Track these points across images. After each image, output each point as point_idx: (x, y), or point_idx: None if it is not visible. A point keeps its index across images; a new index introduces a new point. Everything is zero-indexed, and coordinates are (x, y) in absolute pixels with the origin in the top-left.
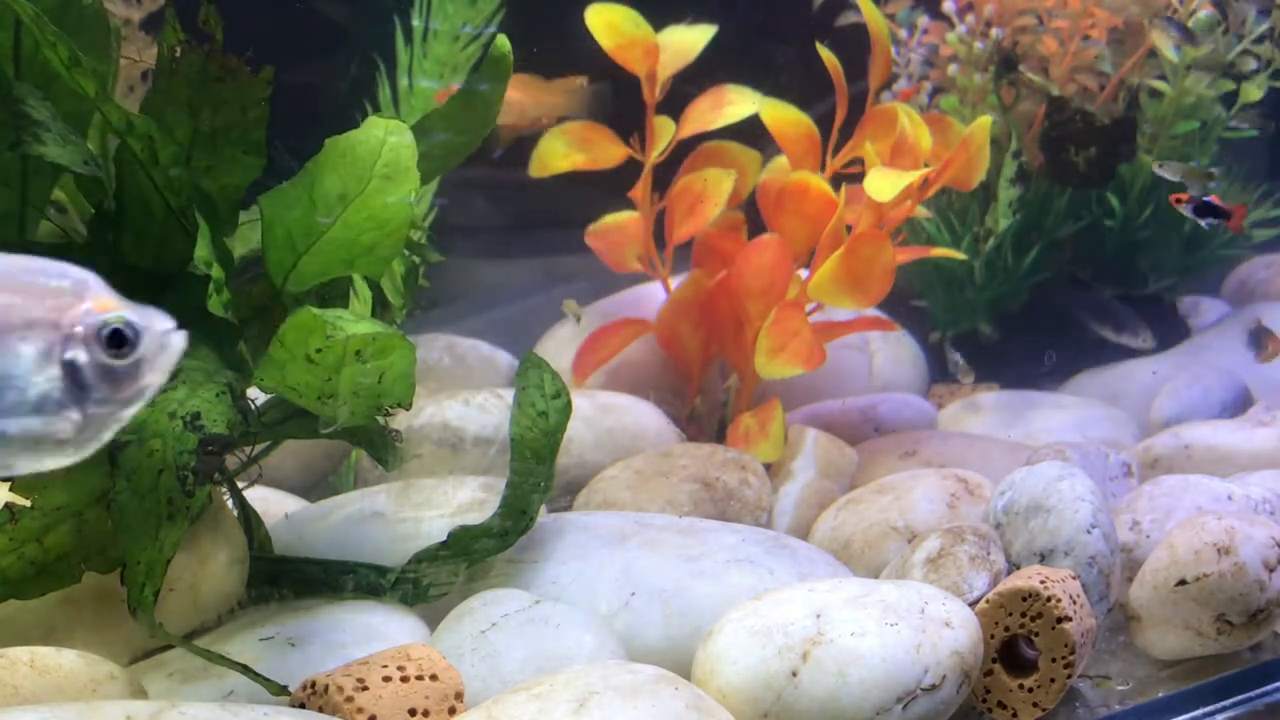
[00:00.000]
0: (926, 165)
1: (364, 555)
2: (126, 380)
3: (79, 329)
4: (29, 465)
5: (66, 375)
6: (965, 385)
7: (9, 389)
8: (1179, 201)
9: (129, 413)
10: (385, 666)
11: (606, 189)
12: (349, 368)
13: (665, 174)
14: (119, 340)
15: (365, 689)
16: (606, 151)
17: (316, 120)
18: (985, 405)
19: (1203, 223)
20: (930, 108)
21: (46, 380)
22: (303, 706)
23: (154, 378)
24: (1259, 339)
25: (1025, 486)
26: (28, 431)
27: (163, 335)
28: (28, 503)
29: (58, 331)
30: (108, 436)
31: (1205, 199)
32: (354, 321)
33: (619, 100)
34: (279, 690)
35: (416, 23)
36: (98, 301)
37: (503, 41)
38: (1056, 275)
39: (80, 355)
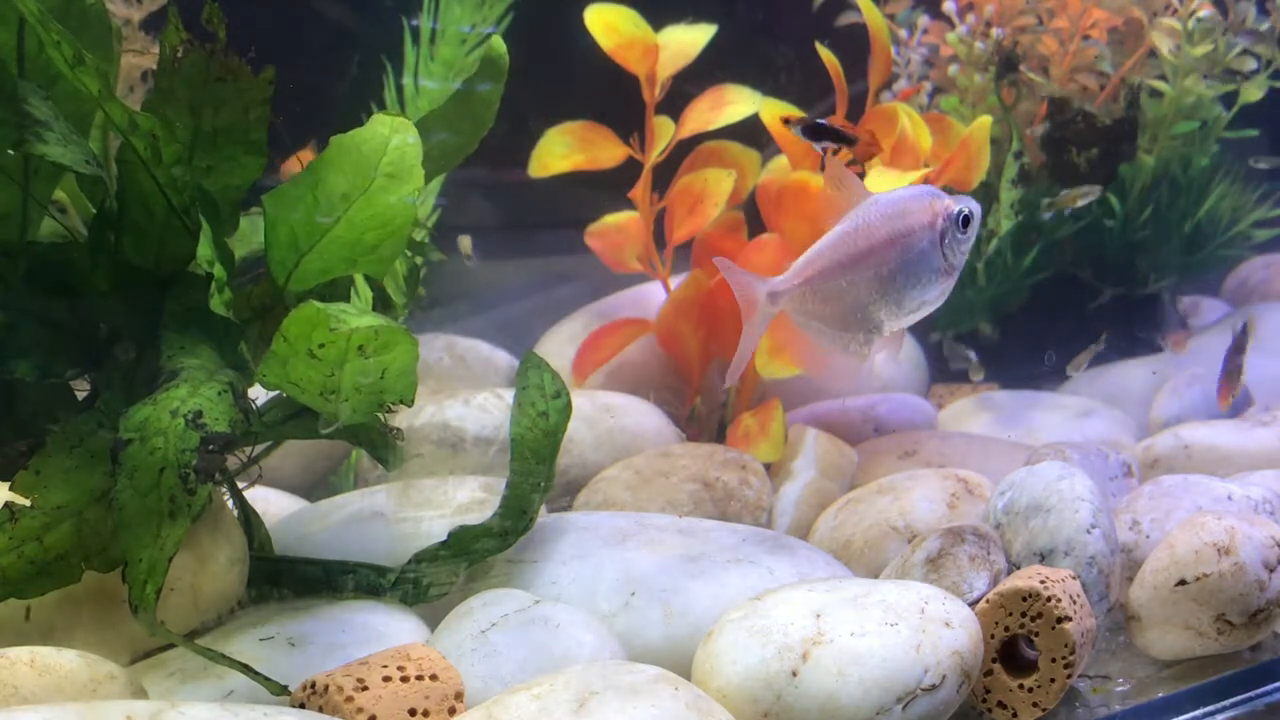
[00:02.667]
0: (926, 165)
1: (364, 555)
2: (965, 246)
3: (944, 220)
4: (921, 315)
5: (944, 251)
6: (975, 383)
7: (926, 268)
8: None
9: (957, 272)
10: (385, 666)
11: (606, 189)
12: (351, 363)
13: (665, 174)
14: (965, 221)
15: (365, 689)
16: (606, 151)
17: (321, 121)
18: (985, 405)
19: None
20: (930, 108)
21: (936, 255)
22: (303, 706)
23: (970, 244)
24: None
25: (1025, 486)
26: (937, 293)
27: (979, 214)
28: (28, 502)
29: (935, 227)
30: (948, 290)
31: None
32: (357, 315)
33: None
34: (279, 690)
35: (419, 23)
36: (946, 202)
37: (498, 43)
38: (1057, 275)
39: (949, 236)
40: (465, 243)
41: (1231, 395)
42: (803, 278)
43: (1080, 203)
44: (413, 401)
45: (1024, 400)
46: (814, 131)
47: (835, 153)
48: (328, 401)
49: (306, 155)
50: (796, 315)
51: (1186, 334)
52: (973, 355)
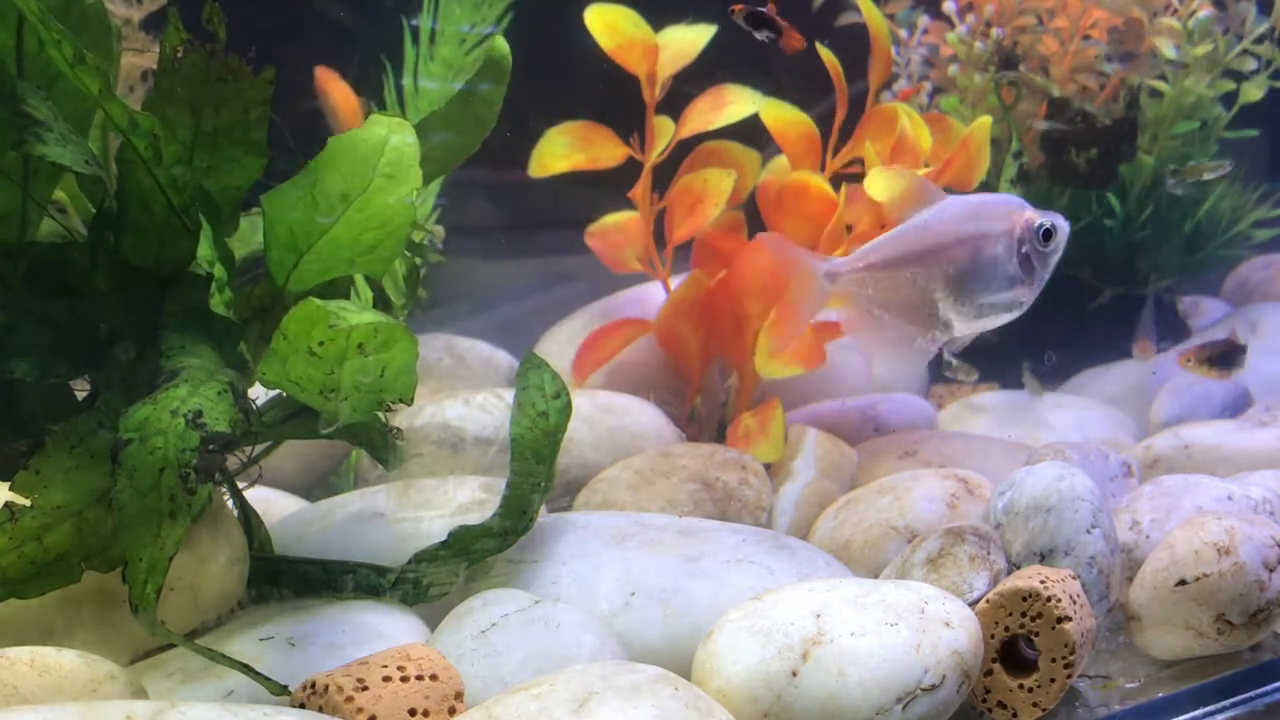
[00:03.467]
0: (926, 165)
1: (364, 555)
2: (1049, 259)
3: (1024, 230)
4: (996, 323)
5: (1020, 260)
6: (968, 384)
7: (996, 274)
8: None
9: (1042, 283)
10: (385, 666)
11: (606, 189)
12: (351, 361)
13: (665, 174)
14: (1047, 235)
15: (365, 689)
16: (606, 151)
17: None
18: (985, 405)
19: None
20: (930, 108)
21: (1010, 264)
22: (303, 706)
23: (1056, 258)
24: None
25: (1025, 486)
26: (1008, 300)
27: (1065, 230)
28: (28, 502)
29: (1012, 235)
30: (1032, 299)
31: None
32: (357, 313)
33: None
34: (279, 690)
35: (419, 23)
36: (1028, 214)
37: (501, 43)
38: (1057, 275)
39: (1027, 246)
40: (439, 231)
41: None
42: (865, 262)
43: (1208, 175)
44: (412, 400)
45: (1024, 400)
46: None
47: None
48: (327, 400)
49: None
50: (858, 300)
51: (1154, 343)
52: (954, 360)
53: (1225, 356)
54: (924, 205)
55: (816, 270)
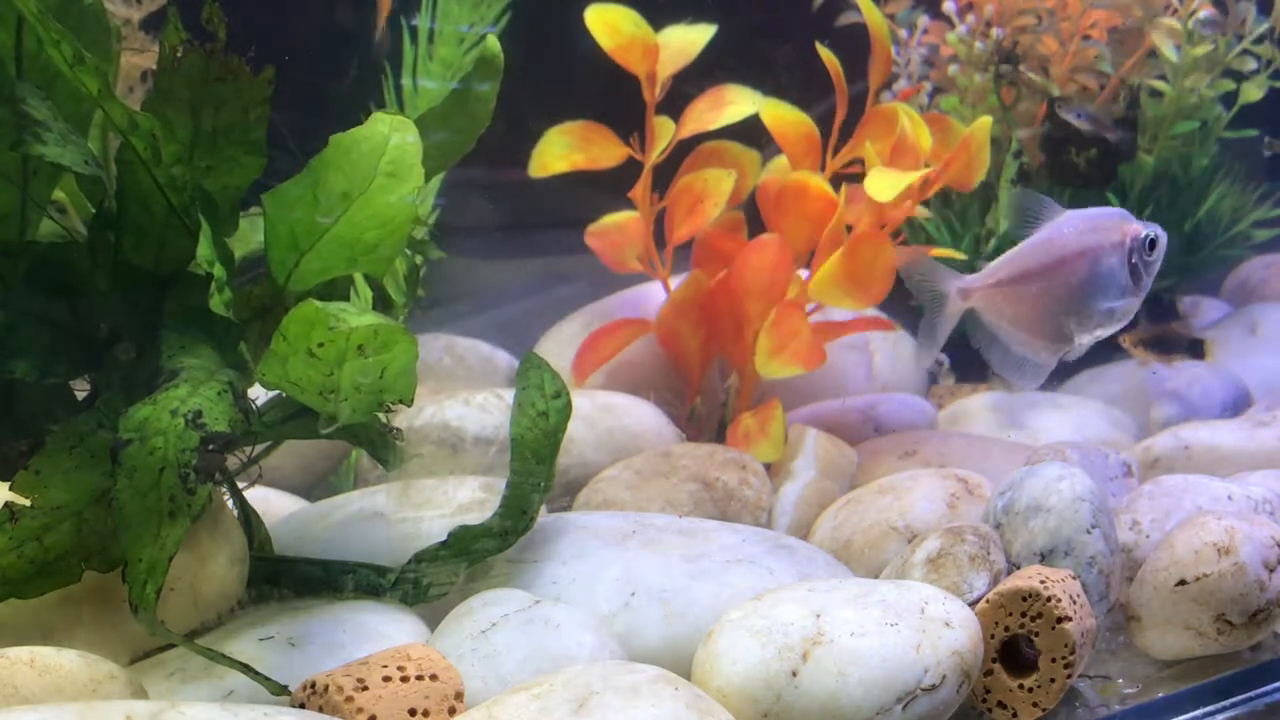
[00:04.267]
0: (926, 165)
1: (364, 555)
2: (1153, 268)
3: (1132, 241)
4: (1109, 331)
5: (1130, 270)
6: (946, 385)
7: (1112, 284)
8: None
9: (1146, 290)
10: (385, 666)
11: (606, 189)
12: (350, 362)
13: (665, 174)
14: (1152, 244)
15: (365, 689)
16: (606, 151)
17: (321, 120)
18: (985, 405)
19: None
20: (930, 108)
21: (1123, 273)
22: (303, 706)
23: (1158, 266)
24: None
25: (1025, 486)
26: (1121, 308)
27: (1164, 240)
28: (28, 502)
29: (1124, 246)
30: (1138, 306)
31: None
32: (356, 315)
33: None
34: (279, 690)
35: (418, 23)
36: (1135, 225)
37: (492, 42)
38: None
39: (1135, 257)
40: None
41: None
42: (995, 279)
43: None
44: (412, 401)
45: (1024, 400)
46: None
47: None
48: (327, 401)
49: None
50: (987, 314)
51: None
52: (945, 360)
53: (1166, 342)
54: (1044, 222)
55: (953, 287)
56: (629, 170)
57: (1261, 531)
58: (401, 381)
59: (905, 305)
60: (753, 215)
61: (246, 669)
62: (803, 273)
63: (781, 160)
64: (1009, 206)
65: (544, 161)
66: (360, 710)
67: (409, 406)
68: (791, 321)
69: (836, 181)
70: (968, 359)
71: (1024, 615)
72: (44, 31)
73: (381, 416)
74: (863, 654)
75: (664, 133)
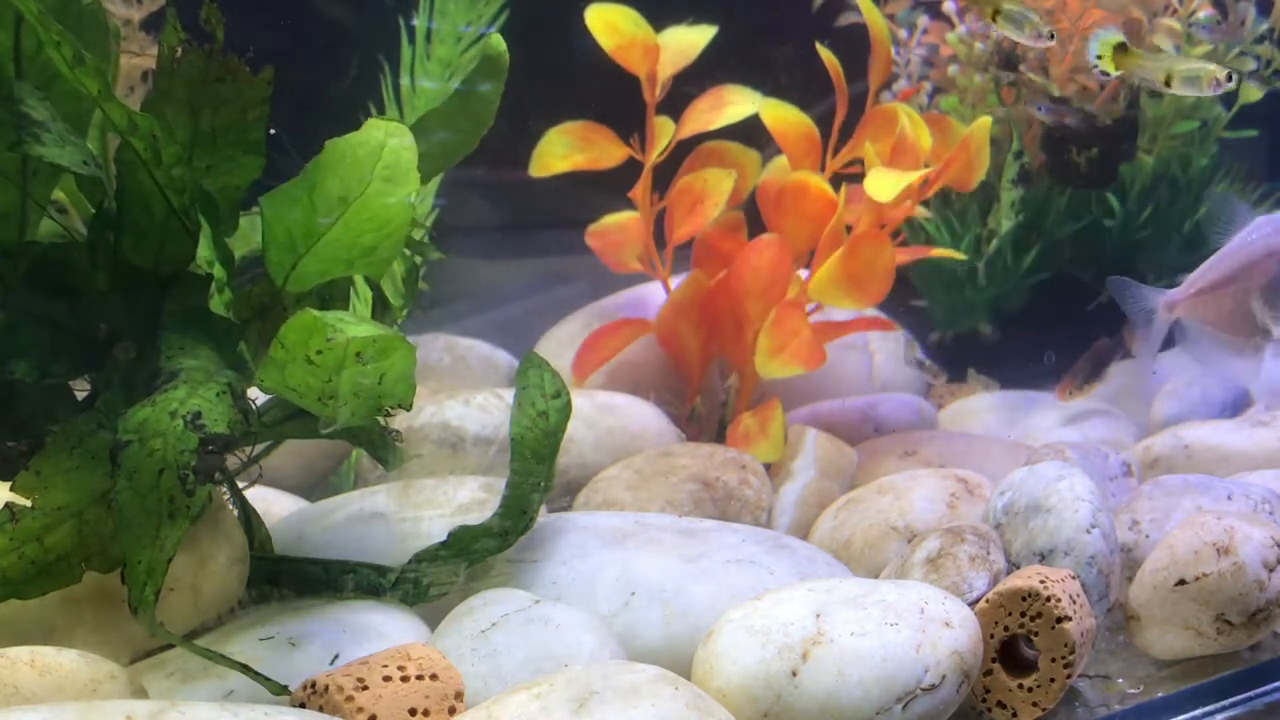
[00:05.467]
0: (926, 165)
1: (364, 555)
2: None
3: None
4: None
5: None
6: (938, 384)
7: None
8: None
9: None
10: (385, 666)
11: (606, 189)
12: (349, 369)
13: (665, 174)
14: None
15: (365, 689)
16: (606, 151)
17: (320, 121)
18: (985, 405)
19: None
20: (930, 108)
21: None
22: (303, 706)
23: None
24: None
25: (1025, 486)
26: None
27: None
28: (28, 502)
29: None
30: None
31: None
32: (354, 324)
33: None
34: (279, 690)
35: (416, 23)
36: None
37: (497, 41)
38: (1057, 275)
39: None
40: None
41: (1070, 391)
42: (1196, 289)
43: None
44: (411, 405)
45: (1024, 400)
46: None
47: None
48: (326, 406)
49: None
50: (1190, 321)
51: (1077, 384)
52: (923, 359)
53: (1095, 367)
54: (1238, 225)
55: (1159, 303)
56: (629, 170)
57: (1261, 531)
58: (400, 387)
59: (905, 305)
60: (753, 215)
61: (246, 669)
62: (803, 273)
63: (781, 160)
64: (1207, 211)
65: (545, 161)
66: (360, 710)
67: (408, 411)
68: (791, 321)
69: (836, 181)
70: (939, 357)
71: (1024, 615)
72: (44, 32)
73: (381, 420)
74: (863, 654)
75: (664, 133)
